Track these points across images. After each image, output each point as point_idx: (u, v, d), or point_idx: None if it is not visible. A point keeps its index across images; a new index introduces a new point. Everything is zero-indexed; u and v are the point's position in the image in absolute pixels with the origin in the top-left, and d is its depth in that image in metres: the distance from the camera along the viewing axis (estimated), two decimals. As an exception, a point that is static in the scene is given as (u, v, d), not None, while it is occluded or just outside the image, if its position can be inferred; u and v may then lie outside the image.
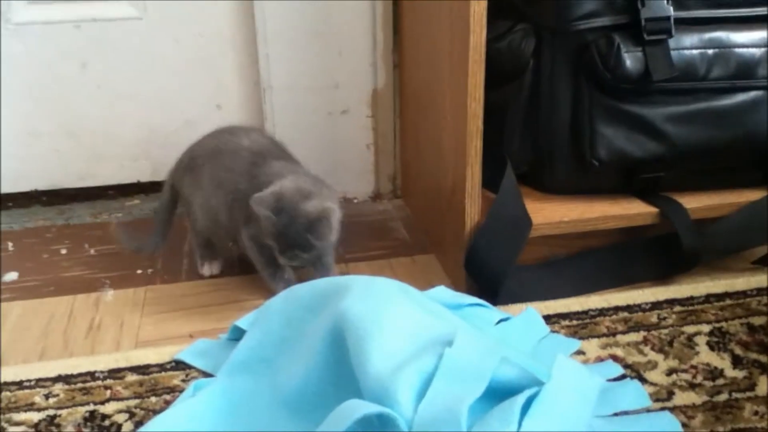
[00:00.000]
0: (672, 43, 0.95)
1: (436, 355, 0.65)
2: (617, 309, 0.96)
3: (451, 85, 0.97)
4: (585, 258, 1.04)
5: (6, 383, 0.84)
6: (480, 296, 0.94)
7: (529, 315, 0.92)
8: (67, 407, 0.80)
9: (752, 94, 0.98)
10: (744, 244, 1.05)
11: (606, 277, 1.02)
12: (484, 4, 0.87)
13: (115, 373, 0.85)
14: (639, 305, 0.96)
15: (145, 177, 1.36)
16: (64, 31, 1.24)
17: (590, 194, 1.04)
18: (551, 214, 1.00)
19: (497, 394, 0.63)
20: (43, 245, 1.21)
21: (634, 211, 1.01)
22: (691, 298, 0.97)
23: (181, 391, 0.81)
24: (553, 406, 0.60)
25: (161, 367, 0.86)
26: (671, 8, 0.95)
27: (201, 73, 1.30)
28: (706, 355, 0.86)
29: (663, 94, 0.97)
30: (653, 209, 1.01)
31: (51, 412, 0.79)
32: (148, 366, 0.86)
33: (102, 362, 0.87)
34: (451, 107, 0.99)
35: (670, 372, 0.83)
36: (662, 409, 0.77)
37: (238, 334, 0.88)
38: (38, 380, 0.84)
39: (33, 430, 0.77)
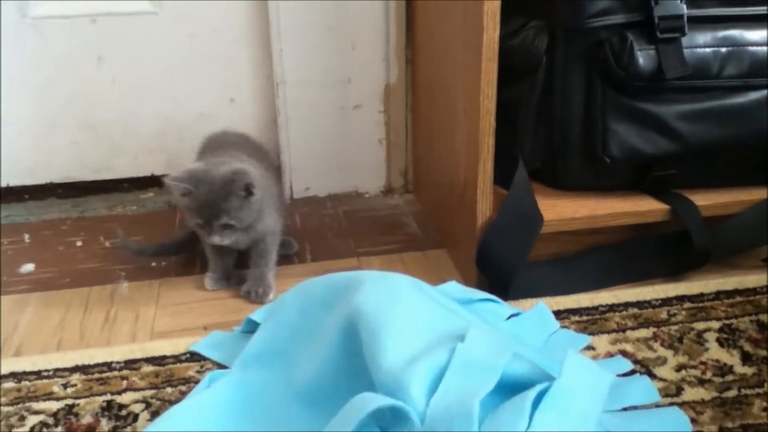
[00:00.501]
0: (685, 41, 0.95)
1: (448, 349, 0.65)
2: (627, 305, 0.96)
3: (464, 82, 0.98)
4: (595, 254, 1.04)
5: (25, 372, 0.86)
6: (491, 291, 0.95)
7: (539, 310, 0.93)
8: (84, 397, 0.82)
9: (765, 92, 0.98)
10: (755, 241, 1.05)
11: (616, 273, 1.02)
12: (497, 3, 0.87)
13: (132, 364, 0.87)
14: (649, 301, 0.97)
15: (159, 170, 1.37)
16: (81, 26, 1.25)
17: (602, 191, 1.05)
18: (563, 210, 1.01)
19: (508, 388, 0.63)
20: (59, 237, 1.23)
21: (645, 208, 1.02)
22: (701, 294, 0.98)
23: (196, 382, 0.83)
24: (564, 401, 0.60)
25: (176, 359, 0.88)
26: (684, 6, 0.95)
27: (215, 67, 1.31)
28: (715, 352, 0.87)
29: (676, 91, 0.97)
30: (664, 206, 1.02)
31: (69, 401, 0.81)
32: (163, 357, 0.88)
33: (118, 353, 0.89)
34: (463, 103, 1.00)
35: (680, 368, 0.84)
36: (671, 404, 0.77)
37: (252, 327, 0.90)
38: (56, 370, 0.86)
39: (52, 418, 0.78)
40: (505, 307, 0.93)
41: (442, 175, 1.16)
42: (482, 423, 0.59)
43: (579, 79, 0.99)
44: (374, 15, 1.26)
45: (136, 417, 0.78)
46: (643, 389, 0.79)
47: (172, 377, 0.85)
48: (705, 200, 1.02)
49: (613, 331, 0.91)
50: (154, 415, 0.78)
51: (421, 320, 0.72)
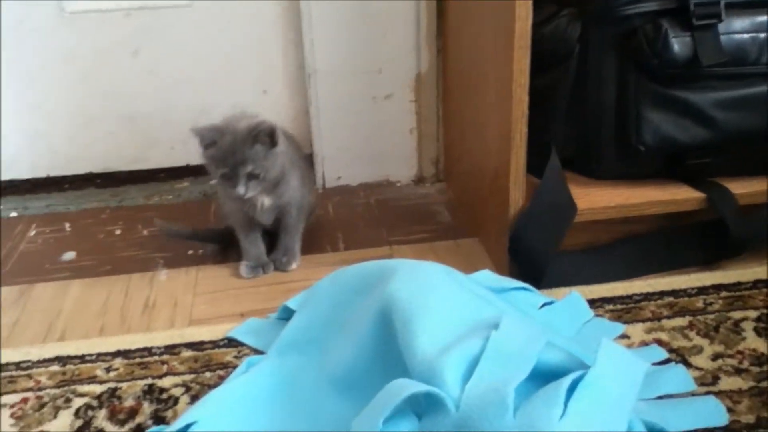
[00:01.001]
0: (722, 27, 0.94)
1: (482, 337, 0.66)
2: (662, 294, 0.96)
3: (496, 70, 0.98)
4: (630, 243, 1.04)
5: (69, 357, 0.88)
6: (523, 280, 0.95)
7: (573, 299, 0.93)
8: (126, 380, 0.84)
9: (804, 78, 0.97)
10: (793, 230, 1.04)
11: (651, 262, 1.02)
12: (530, -9, 0.87)
13: (171, 349, 0.89)
14: (684, 290, 0.96)
15: (194, 160, 1.39)
16: (116, 19, 1.28)
17: (635, 179, 1.04)
18: (596, 199, 1.00)
19: (543, 377, 0.64)
20: (98, 226, 1.26)
21: (680, 196, 1.01)
22: (739, 283, 0.97)
23: (234, 367, 0.84)
24: (599, 390, 0.60)
25: (214, 344, 0.90)
26: (722, -9, 0.94)
27: (248, 58, 1.33)
28: (752, 341, 0.86)
29: (712, 79, 0.96)
30: (699, 195, 1.01)
31: (112, 384, 0.83)
32: (202, 343, 0.90)
33: (158, 339, 0.91)
34: (495, 92, 1.00)
35: (716, 357, 0.83)
36: (707, 393, 0.77)
37: (287, 314, 0.91)
38: (99, 354, 0.89)
39: (96, 401, 0.81)
40: (538, 296, 0.93)
41: (473, 163, 1.16)
42: (516, 410, 0.59)
43: (612, 67, 0.99)
44: (405, 4, 1.26)
45: (176, 400, 0.80)
46: (679, 378, 0.79)
47: (211, 362, 0.87)
48: (741, 188, 1.01)
49: (648, 320, 0.91)
50: (194, 398, 0.80)
51: (454, 308, 0.73)
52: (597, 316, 0.92)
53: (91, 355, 0.89)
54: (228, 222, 1.10)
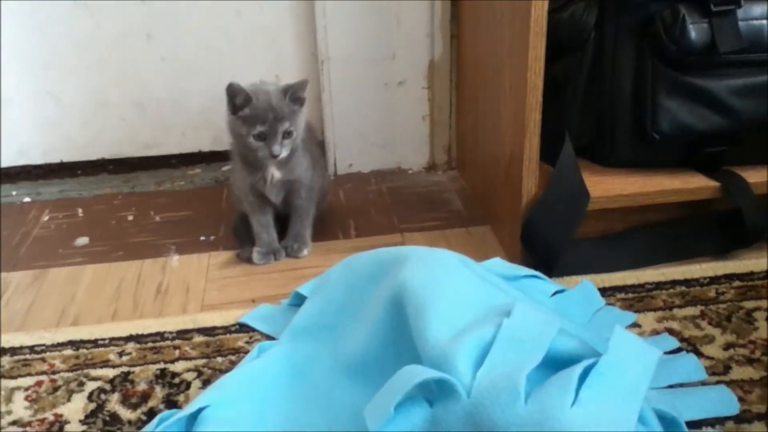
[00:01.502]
0: (740, 13, 0.93)
1: (494, 324, 0.66)
2: (674, 283, 0.95)
3: (511, 57, 0.97)
4: (643, 232, 1.03)
5: (82, 341, 0.89)
6: (535, 268, 0.94)
7: (584, 287, 0.93)
8: (139, 365, 0.85)
9: (824, 66, 0.95)
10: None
11: (664, 251, 1.01)
12: (546, -24, 0.86)
13: (183, 335, 0.89)
14: (697, 279, 0.96)
15: (206, 146, 1.40)
16: (130, 6, 1.28)
17: (650, 168, 1.03)
18: (610, 187, 0.99)
19: (555, 364, 0.64)
20: (110, 212, 1.26)
21: (694, 185, 1.00)
22: (752, 273, 0.96)
23: (246, 352, 0.85)
24: (612, 377, 0.60)
25: (226, 330, 0.90)
26: (741, -23, 0.93)
27: (261, 44, 1.33)
28: (765, 331, 0.85)
29: (729, 66, 0.95)
30: (715, 183, 1.00)
31: (125, 369, 0.84)
32: (213, 328, 0.90)
33: (170, 324, 0.91)
34: (510, 79, 0.99)
35: (728, 347, 0.83)
36: (718, 383, 0.77)
37: (298, 300, 0.91)
38: (112, 339, 0.89)
39: (109, 385, 0.82)
40: (550, 284, 0.92)
41: (486, 151, 1.16)
42: (528, 397, 0.59)
43: (629, 54, 0.98)
44: (419, -10, 1.26)
45: (188, 385, 0.81)
46: (690, 367, 0.78)
47: (222, 347, 0.87)
48: (757, 177, 1.00)
49: (660, 308, 0.90)
50: (206, 383, 0.81)
51: (466, 296, 0.73)
52: (608, 304, 0.91)
53: (104, 339, 0.89)
54: (240, 207, 1.11)
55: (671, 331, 0.86)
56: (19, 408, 0.78)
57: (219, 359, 0.85)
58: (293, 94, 0.99)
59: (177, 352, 0.87)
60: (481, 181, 1.21)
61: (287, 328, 0.85)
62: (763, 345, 0.83)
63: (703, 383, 0.77)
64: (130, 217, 1.24)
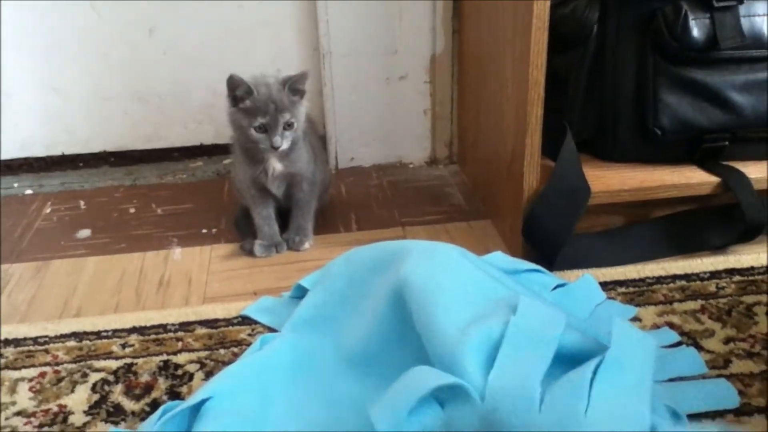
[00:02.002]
0: (742, 9, 0.93)
1: (500, 319, 0.66)
2: (675, 277, 0.96)
3: (513, 52, 0.97)
4: (643, 227, 1.03)
5: (85, 333, 0.89)
6: (536, 262, 0.95)
7: (585, 281, 0.93)
8: (142, 356, 0.85)
9: (825, 62, 0.96)
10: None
11: (664, 246, 1.02)
12: (549, -29, 0.86)
13: (186, 326, 0.90)
14: (697, 274, 0.96)
15: (208, 140, 1.40)
16: (133, -3, 1.28)
17: (651, 163, 1.03)
18: (611, 182, 1.00)
19: (561, 359, 0.64)
20: (112, 204, 1.26)
21: (695, 180, 1.00)
22: (752, 268, 0.97)
23: (248, 344, 0.85)
24: (619, 372, 0.60)
25: (228, 322, 0.90)
26: (742, -27, 0.93)
27: (263, 38, 1.33)
28: (765, 325, 0.86)
29: (731, 62, 0.95)
30: (715, 178, 1.00)
31: (128, 360, 0.85)
32: (216, 320, 0.91)
33: (173, 316, 0.92)
34: (512, 74, 0.99)
35: (728, 341, 0.83)
36: (718, 376, 0.77)
37: (300, 293, 0.92)
38: (115, 331, 0.90)
39: (112, 376, 0.82)
40: (551, 278, 0.93)
41: (488, 146, 1.16)
42: (542, 402, 0.59)
43: (631, 49, 0.98)
44: (421, -16, 1.26)
45: (191, 376, 0.81)
46: (690, 360, 0.79)
47: (225, 339, 0.87)
48: (757, 172, 1.00)
49: (660, 303, 0.91)
50: (209, 374, 0.81)
51: (469, 288, 0.73)
52: (609, 298, 0.92)
53: (107, 331, 0.90)
54: (242, 200, 1.11)
55: (672, 325, 0.86)
56: (24, 399, 0.79)
57: (221, 351, 0.85)
58: (293, 86, 0.99)
59: (180, 343, 0.87)
60: (483, 176, 1.21)
61: (289, 321, 0.86)
62: (763, 339, 0.83)
63: (704, 377, 0.77)
64: (132, 210, 1.24)
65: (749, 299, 0.91)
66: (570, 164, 0.98)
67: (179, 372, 0.82)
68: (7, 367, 0.83)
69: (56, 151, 1.39)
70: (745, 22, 0.93)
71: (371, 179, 1.34)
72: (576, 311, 0.88)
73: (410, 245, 0.83)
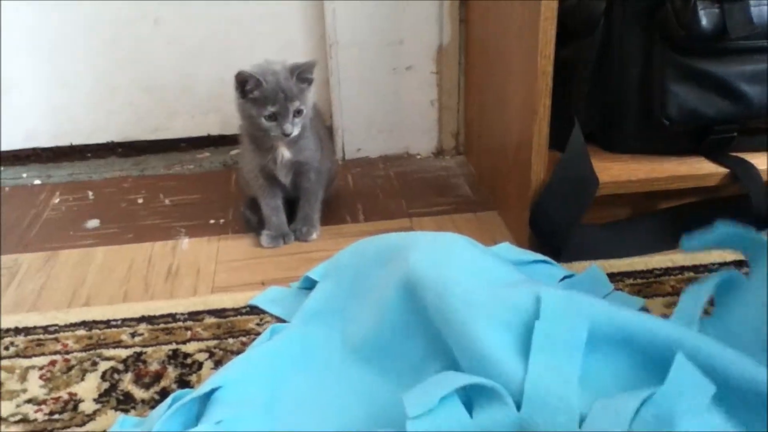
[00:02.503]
0: (752, -2, 0.92)
1: (523, 309, 0.66)
2: (683, 269, 0.96)
3: (521, 42, 0.97)
4: (651, 218, 1.03)
5: (95, 321, 0.90)
6: (543, 253, 0.95)
7: (593, 272, 0.93)
8: (151, 345, 0.86)
9: (835, 53, 0.95)
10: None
11: (672, 237, 1.01)
12: (557, -39, 0.86)
13: (195, 316, 0.90)
14: (705, 266, 0.96)
15: (214, 130, 1.40)
16: (139, -13, 1.28)
17: (658, 154, 1.03)
18: (618, 173, 1.00)
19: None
20: (120, 195, 1.27)
21: (703, 171, 1.00)
22: (759, 260, 0.96)
23: (256, 334, 0.86)
24: (665, 411, 0.57)
25: (237, 312, 0.91)
26: (752, -39, 0.92)
27: (269, 28, 1.33)
28: (772, 317, 0.86)
29: (740, 51, 0.94)
30: (723, 170, 1.00)
31: (137, 349, 0.85)
32: (224, 310, 0.91)
33: (182, 305, 0.92)
34: (519, 64, 0.99)
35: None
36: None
37: (308, 284, 0.92)
38: (124, 320, 0.90)
39: (122, 365, 0.83)
40: (558, 269, 0.93)
41: (495, 137, 1.16)
42: (582, 421, 0.58)
43: (638, 39, 0.97)
44: (428, -26, 1.25)
45: (200, 365, 0.82)
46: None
47: (233, 329, 0.88)
48: (766, 164, 1.00)
49: (668, 294, 0.91)
50: (218, 363, 0.82)
51: (484, 274, 0.73)
52: (617, 290, 0.92)
53: (116, 320, 0.90)
54: (249, 191, 1.11)
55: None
56: (34, 386, 0.79)
57: (230, 340, 0.86)
58: (301, 74, 1.00)
59: (188, 333, 0.88)
60: (489, 167, 1.21)
61: (299, 312, 0.86)
62: (770, 330, 0.83)
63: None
64: (140, 200, 1.25)
65: (757, 290, 0.90)
66: (578, 155, 0.98)
67: (188, 361, 0.83)
68: (17, 356, 0.84)
69: (64, 142, 1.39)
70: (755, 11, 0.92)
71: (378, 170, 1.34)
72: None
73: (417, 236, 0.83)
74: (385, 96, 1.34)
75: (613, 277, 0.94)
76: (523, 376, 0.62)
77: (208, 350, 0.84)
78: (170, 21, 1.30)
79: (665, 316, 0.86)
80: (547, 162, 0.98)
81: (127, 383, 0.80)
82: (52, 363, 0.83)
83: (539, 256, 0.94)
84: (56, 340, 0.87)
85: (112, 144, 1.40)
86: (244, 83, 0.98)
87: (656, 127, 0.99)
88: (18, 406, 0.77)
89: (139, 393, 0.78)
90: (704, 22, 0.93)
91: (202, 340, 0.86)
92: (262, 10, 1.31)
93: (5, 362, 0.83)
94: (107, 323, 0.90)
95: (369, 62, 1.31)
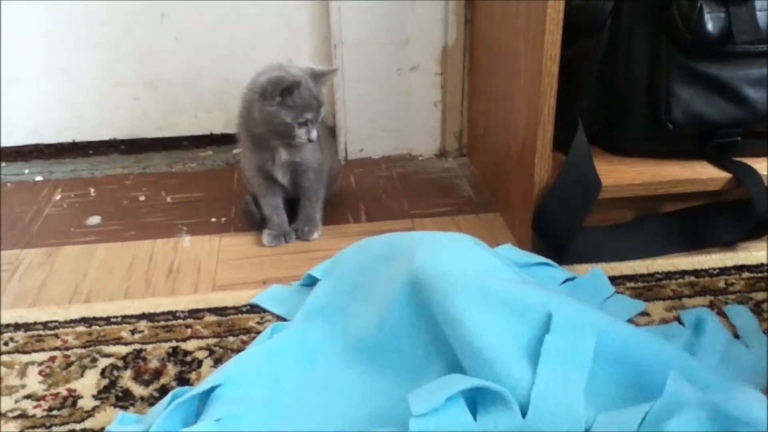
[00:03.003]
0: (758, 3, 0.92)
1: (530, 312, 0.66)
2: (684, 273, 0.95)
3: (526, 43, 0.97)
4: (653, 221, 1.03)
5: (95, 318, 0.90)
6: (546, 255, 0.95)
7: (594, 275, 0.93)
8: (151, 342, 0.85)
9: (841, 58, 0.95)
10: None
11: (674, 241, 1.01)
12: (563, -37, 0.86)
13: (195, 314, 0.90)
14: (706, 270, 0.96)
15: (217, 129, 1.40)
16: (144, -16, 1.28)
17: (662, 157, 1.03)
18: (621, 176, 0.99)
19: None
20: (122, 192, 1.27)
21: (706, 175, 1.00)
22: (761, 265, 0.96)
23: (257, 332, 0.86)
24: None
25: (237, 310, 0.91)
26: (759, -34, 0.92)
27: (274, 26, 1.33)
28: (774, 322, 0.86)
29: (745, 56, 0.94)
30: (726, 174, 1.00)
31: (137, 346, 0.85)
32: (225, 308, 0.91)
33: (182, 303, 0.92)
34: (525, 65, 0.99)
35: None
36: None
37: (310, 282, 0.92)
38: (124, 317, 0.90)
39: (122, 361, 0.82)
40: (560, 271, 0.93)
41: (498, 138, 1.16)
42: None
43: (644, 41, 0.97)
44: (433, -25, 1.25)
45: (200, 363, 0.82)
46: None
47: (234, 327, 0.88)
48: (769, 169, 1.00)
49: (669, 298, 0.91)
50: (218, 361, 0.82)
51: (491, 273, 0.73)
52: (618, 293, 0.91)
53: (116, 317, 0.90)
54: (251, 188, 1.11)
55: (680, 321, 0.86)
56: (33, 382, 0.79)
57: (230, 338, 0.86)
58: (324, 81, 1.01)
59: (189, 330, 0.87)
60: (492, 168, 1.21)
61: (300, 310, 0.86)
62: (772, 336, 0.83)
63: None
64: (142, 198, 1.24)
65: (758, 296, 0.90)
66: (582, 157, 0.97)
67: (188, 358, 0.83)
68: (17, 351, 0.84)
69: (67, 138, 1.39)
70: (761, 16, 0.92)
71: (381, 170, 1.34)
72: (585, 305, 0.87)
73: (422, 235, 0.83)
74: (389, 96, 1.34)
75: (614, 280, 0.94)
76: (530, 382, 0.62)
77: (208, 348, 0.84)
78: (176, 17, 1.30)
79: (665, 320, 0.86)
80: (551, 164, 0.97)
81: (126, 380, 0.79)
82: (52, 359, 0.83)
83: (541, 259, 0.93)
84: (56, 336, 0.87)
85: (115, 141, 1.40)
86: (288, 90, 0.96)
87: (660, 130, 0.99)
88: (17, 401, 0.77)
89: (138, 390, 0.78)
90: (710, 26, 0.92)
91: (202, 337, 0.86)
92: (268, 8, 1.31)
93: (5, 357, 0.83)
94: (107, 320, 0.90)
95: (373, 62, 1.31)
